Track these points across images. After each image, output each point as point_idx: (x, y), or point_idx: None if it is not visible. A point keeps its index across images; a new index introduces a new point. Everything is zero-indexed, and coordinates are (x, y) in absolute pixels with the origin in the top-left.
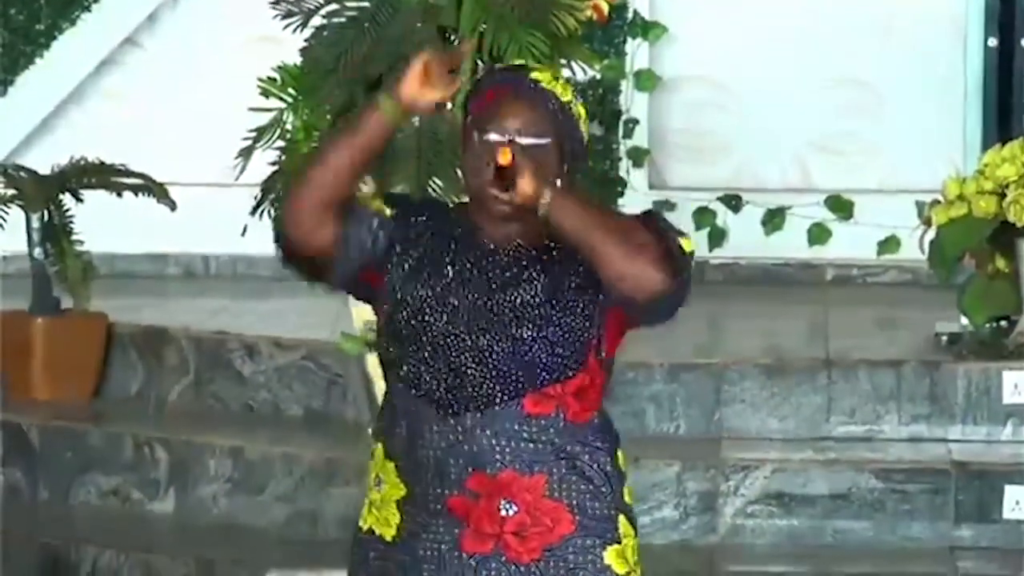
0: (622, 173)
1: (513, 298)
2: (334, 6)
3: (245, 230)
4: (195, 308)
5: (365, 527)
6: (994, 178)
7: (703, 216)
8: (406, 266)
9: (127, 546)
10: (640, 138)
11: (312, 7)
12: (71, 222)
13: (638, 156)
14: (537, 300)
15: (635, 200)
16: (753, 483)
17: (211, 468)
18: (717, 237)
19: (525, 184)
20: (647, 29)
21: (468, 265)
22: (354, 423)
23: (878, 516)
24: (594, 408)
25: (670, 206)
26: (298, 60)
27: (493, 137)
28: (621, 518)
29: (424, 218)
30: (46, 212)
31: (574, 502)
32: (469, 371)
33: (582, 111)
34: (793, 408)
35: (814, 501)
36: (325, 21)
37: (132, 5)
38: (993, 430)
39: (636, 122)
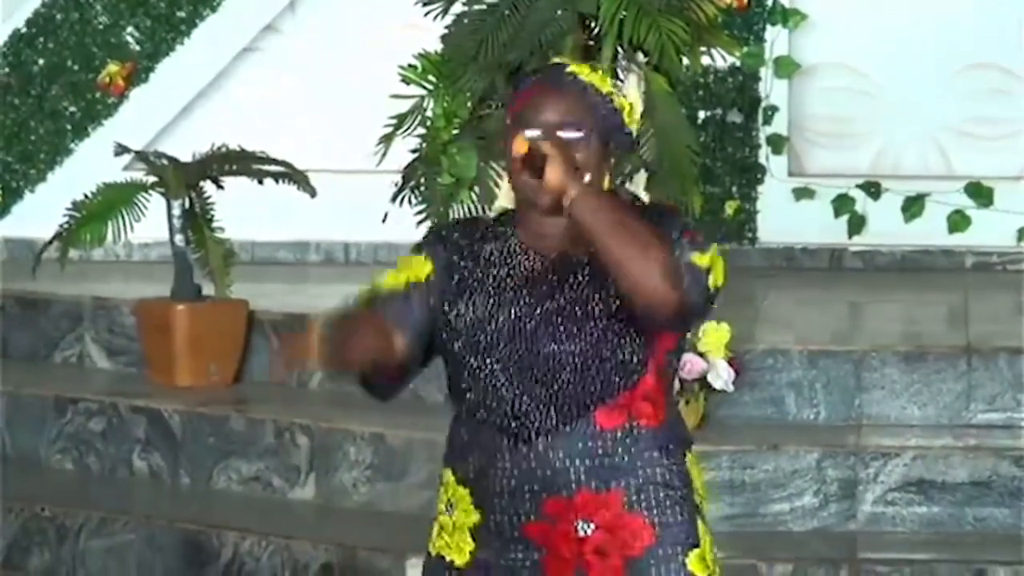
0: (761, 160)
1: (568, 303)
2: None
3: (386, 217)
4: (336, 295)
5: (435, 552)
6: None
7: (842, 203)
8: (447, 293)
9: (268, 532)
10: (780, 125)
11: None
12: (212, 209)
13: (777, 143)
14: (593, 308)
15: (774, 187)
16: (893, 470)
17: (352, 454)
18: (856, 224)
19: (552, 174)
20: (787, 16)
21: (513, 277)
22: None
23: (1019, 503)
24: (664, 411)
25: (809, 193)
26: (439, 47)
27: (528, 133)
28: (698, 519)
29: (455, 241)
30: (187, 199)
31: (654, 511)
32: (537, 395)
33: (625, 103)
34: (933, 395)
35: (954, 489)
36: (466, 8)
37: None
38: None
39: (776, 109)
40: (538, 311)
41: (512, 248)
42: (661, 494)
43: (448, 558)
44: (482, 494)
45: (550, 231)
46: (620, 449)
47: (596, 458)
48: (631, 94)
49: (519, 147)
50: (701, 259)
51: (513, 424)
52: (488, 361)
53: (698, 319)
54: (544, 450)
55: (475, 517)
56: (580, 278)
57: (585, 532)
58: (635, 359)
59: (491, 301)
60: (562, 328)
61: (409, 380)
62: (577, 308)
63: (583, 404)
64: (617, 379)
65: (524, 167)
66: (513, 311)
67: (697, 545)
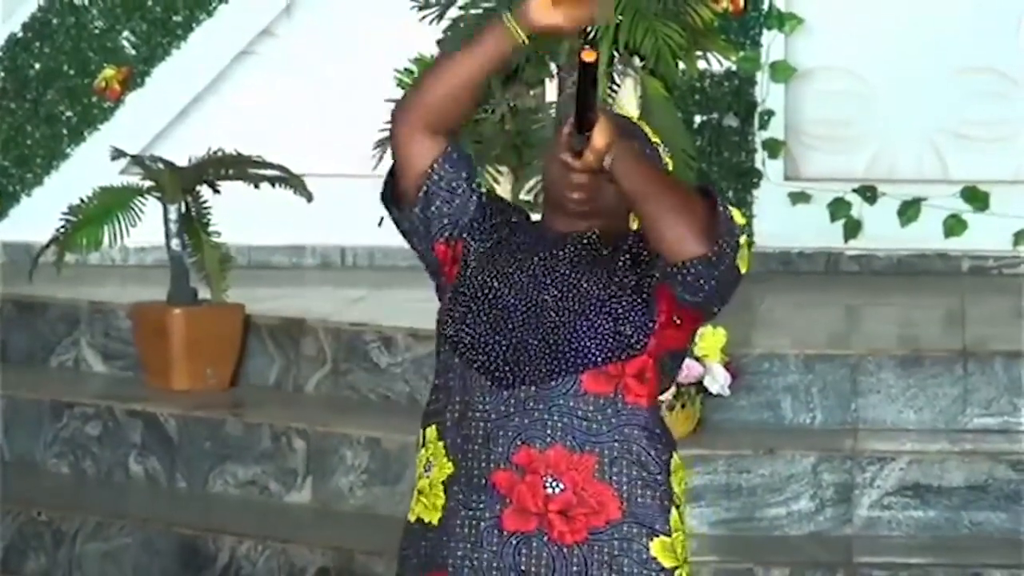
0: (758, 164)
1: (579, 278)
2: None
3: (382, 221)
4: (332, 299)
5: (413, 518)
6: None
7: (838, 207)
8: (480, 248)
9: (265, 536)
10: (776, 129)
11: None
12: (208, 213)
13: (774, 147)
14: (603, 281)
15: (771, 191)
16: (889, 474)
17: (348, 458)
18: (852, 228)
19: (599, 135)
20: (783, 20)
21: (538, 250)
22: None
23: (1015, 507)
24: (653, 397)
25: (805, 197)
26: (434, 51)
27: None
28: (673, 511)
29: (502, 212)
30: (183, 204)
31: (623, 487)
32: (531, 345)
33: (669, 161)
34: (929, 399)
35: (950, 493)
36: (462, 12)
37: None
38: None
39: (772, 113)
40: (553, 271)
41: (536, 228)
42: (634, 472)
43: (426, 519)
44: (456, 442)
45: (574, 225)
46: (600, 417)
47: (575, 418)
48: (627, 99)
49: (588, 55)
50: (738, 216)
51: (503, 368)
52: (497, 310)
53: (728, 275)
54: (525, 399)
55: (448, 469)
56: (600, 257)
57: (553, 490)
58: (635, 336)
59: (512, 258)
60: (571, 288)
61: (396, 207)
62: (590, 275)
63: (573, 362)
64: (612, 348)
65: (576, 127)
66: (531, 268)
67: (667, 535)
